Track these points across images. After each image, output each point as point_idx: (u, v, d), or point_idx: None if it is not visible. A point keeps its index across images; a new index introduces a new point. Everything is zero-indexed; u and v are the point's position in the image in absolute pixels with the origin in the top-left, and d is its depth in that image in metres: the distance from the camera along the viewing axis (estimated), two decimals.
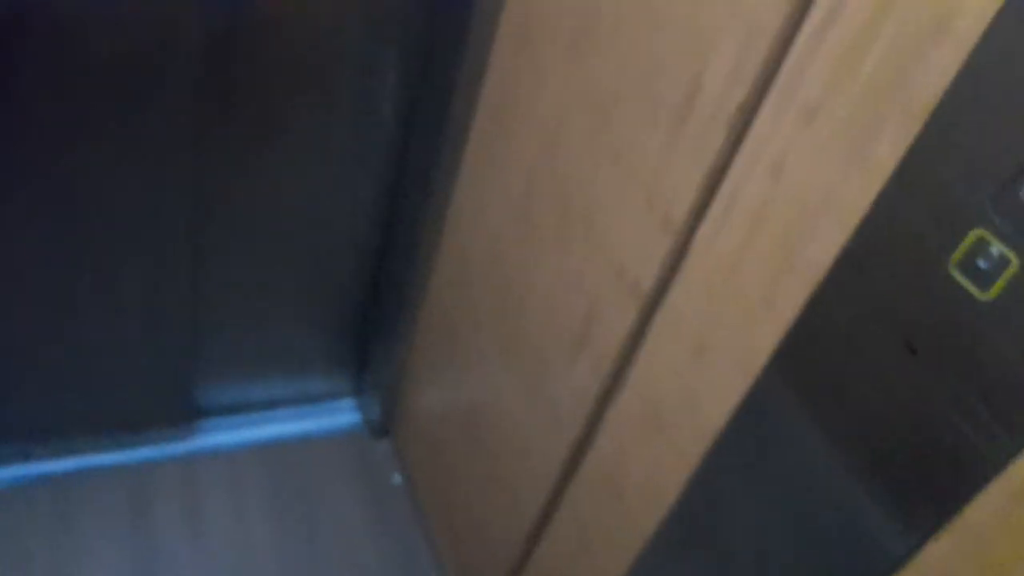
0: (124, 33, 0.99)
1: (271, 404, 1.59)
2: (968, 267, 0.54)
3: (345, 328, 1.53)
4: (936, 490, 0.57)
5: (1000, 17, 0.51)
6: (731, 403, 0.73)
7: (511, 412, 1.10)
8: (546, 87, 0.95)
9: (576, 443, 0.96)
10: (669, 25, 0.76)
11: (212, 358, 1.44)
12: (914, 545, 0.59)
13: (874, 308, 0.63)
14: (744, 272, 0.70)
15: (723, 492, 0.77)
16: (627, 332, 0.85)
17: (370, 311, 1.51)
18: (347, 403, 1.65)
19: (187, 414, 1.47)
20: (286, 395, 1.59)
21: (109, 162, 1.10)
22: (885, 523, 0.62)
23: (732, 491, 0.76)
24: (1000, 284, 0.52)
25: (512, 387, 1.08)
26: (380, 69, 1.19)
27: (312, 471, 1.52)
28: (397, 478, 1.54)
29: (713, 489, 0.78)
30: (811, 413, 0.67)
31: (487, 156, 1.11)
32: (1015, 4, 0.51)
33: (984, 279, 0.53)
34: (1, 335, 1.22)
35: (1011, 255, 0.51)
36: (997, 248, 0.52)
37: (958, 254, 0.55)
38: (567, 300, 0.93)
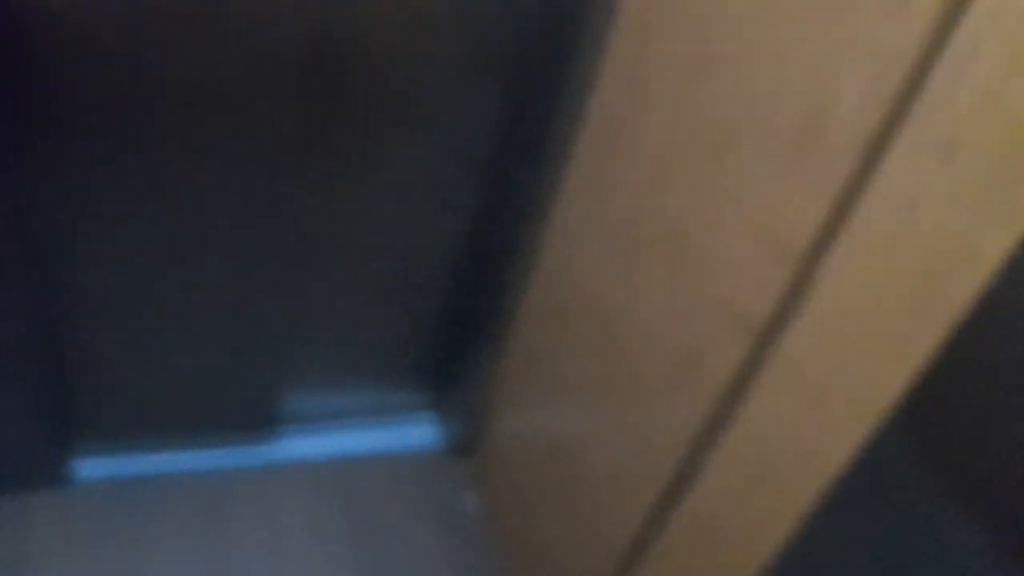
0: (232, 65, 1.02)
1: (351, 415, 1.59)
2: None
3: (430, 346, 1.52)
4: None
5: None
6: (848, 450, 0.68)
7: (603, 445, 1.07)
8: (655, 120, 0.93)
9: (672, 481, 0.92)
10: (793, 56, 0.73)
11: (297, 369, 1.45)
12: None
13: (1017, 355, 0.58)
14: (871, 313, 0.65)
15: (833, 543, 0.73)
16: (735, 369, 0.81)
17: (457, 330, 1.50)
18: (427, 419, 1.64)
19: (269, 422, 1.49)
20: (367, 407, 1.59)
21: (214, 185, 1.12)
22: None
23: (844, 544, 0.71)
24: None
25: (606, 419, 1.05)
26: (479, 98, 1.19)
27: (388, 486, 1.51)
28: (473, 499, 1.52)
29: (822, 539, 0.73)
30: (938, 466, 0.62)
31: (587, 186, 1.09)
32: None
33: None
34: (100, 342, 1.26)
35: None
36: None
37: None
38: (671, 333, 0.90)
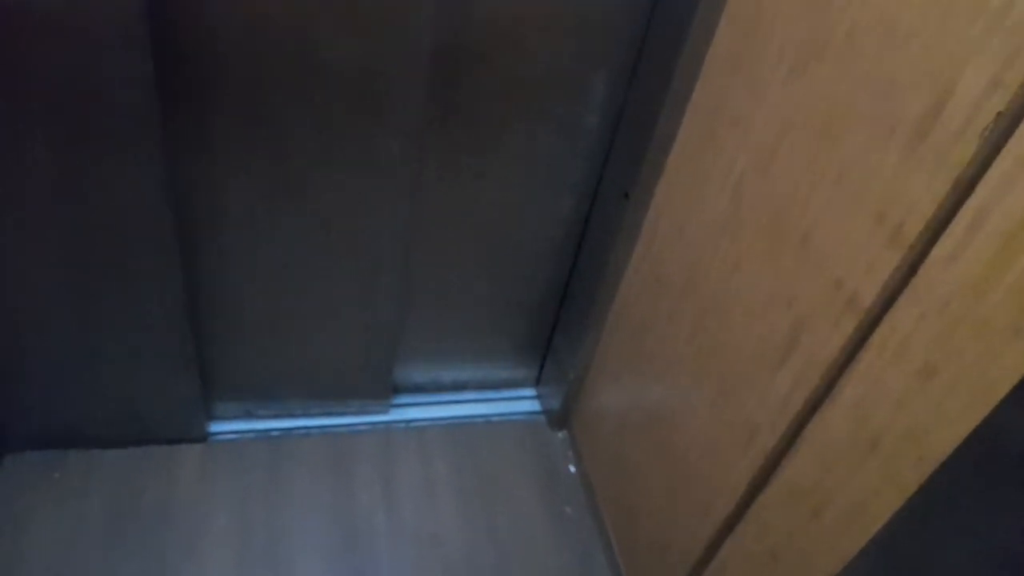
0: (361, 57, 1.04)
1: (459, 387, 1.62)
2: None
3: (534, 322, 1.53)
4: None
5: None
6: (960, 433, 0.65)
7: (701, 420, 1.05)
8: (763, 104, 0.90)
9: (772, 456, 0.90)
10: (914, 38, 0.69)
11: (412, 341, 1.49)
12: None
13: None
14: (991, 296, 0.62)
15: (941, 528, 0.70)
16: (839, 348, 0.78)
17: (560, 308, 1.50)
18: (528, 393, 1.66)
19: (386, 389, 1.53)
20: (473, 380, 1.62)
21: (343, 166, 1.15)
22: None
23: (952, 528, 0.68)
24: None
25: (705, 395, 1.04)
26: (589, 85, 1.18)
27: (493, 452, 1.53)
28: (572, 469, 1.53)
29: (929, 522, 0.71)
30: None
31: (690, 170, 1.06)
32: None
33: None
34: (235, 313, 1.32)
35: None
36: None
37: None
38: (774, 313, 0.88)
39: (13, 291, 1.16)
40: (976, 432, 0.64)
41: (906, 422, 0.71)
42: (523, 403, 1.64)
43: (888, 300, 0.73)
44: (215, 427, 1.47)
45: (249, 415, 1.49)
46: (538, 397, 1.65)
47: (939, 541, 0.71)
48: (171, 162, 1.07)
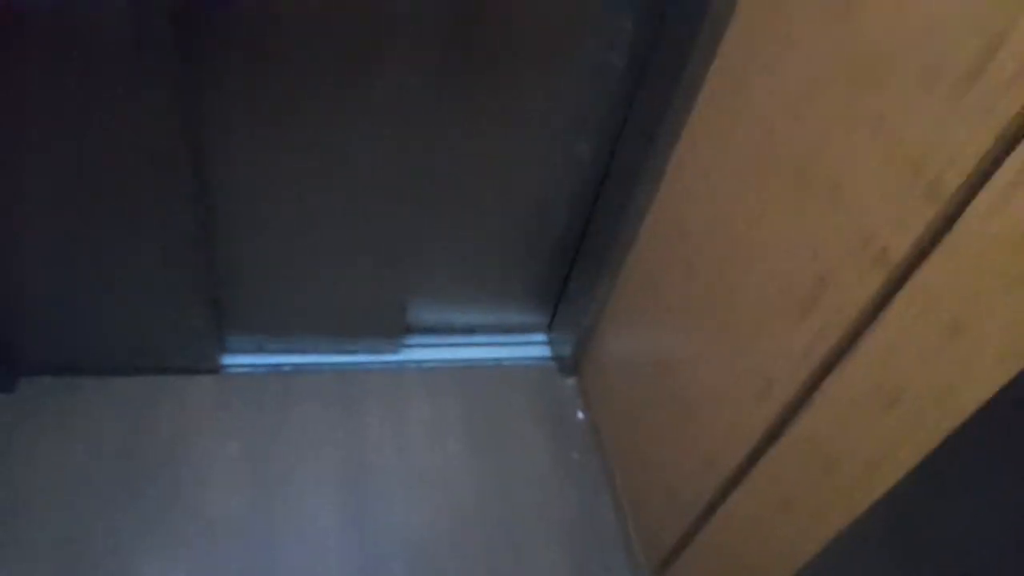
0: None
1: (470, 330, 1.62)
2: None
3: (548, 268, 1.51)
4: None
5: None
6: (988, 391, 0.64)
7: (715, 370, 1.04)
8: (797, 48, 0.86)
9: (786, 408, 0.89)
10: None
11: (425, 282, 1.47)
12: None
13: None
14: None
15: (959, 484, 0.69)
16: (865, 303, 0.76)
17: (576, 254, 1.48)
18: (539, 338, 1.65)
19: (398, 329, 1.52)
20: (485, 323, 1.61)
21: (360, 109, 1.13)
22: None
23: (971, 484, 0.67)
24: None
25: (720, 346, 1.02)
26: (616, 26, 1.13)
27: (502, 395, 1.53)
28: (580, 414, 1.53)
29: (948, 479, 0.70)
30: None
31: (717, 116, 1.03)
32: None
33: None
34: (250, 250, 1.30)
35: None
36: None
37: None
38: (798, 263, 0.85)
39: (30, 216, 1.15)
40: (1004, 391, 0.63)
41: (930, 379, 0.69)
42: (534, 348, 1.63)
43: (920, 254, 0.71)
44: (228, 359, 1.47)
45: (261, 349, 1.49)
46: (549, 343, 1.64)
47: (962, 502, 0.71)
48: (188, 92, 1.04)
